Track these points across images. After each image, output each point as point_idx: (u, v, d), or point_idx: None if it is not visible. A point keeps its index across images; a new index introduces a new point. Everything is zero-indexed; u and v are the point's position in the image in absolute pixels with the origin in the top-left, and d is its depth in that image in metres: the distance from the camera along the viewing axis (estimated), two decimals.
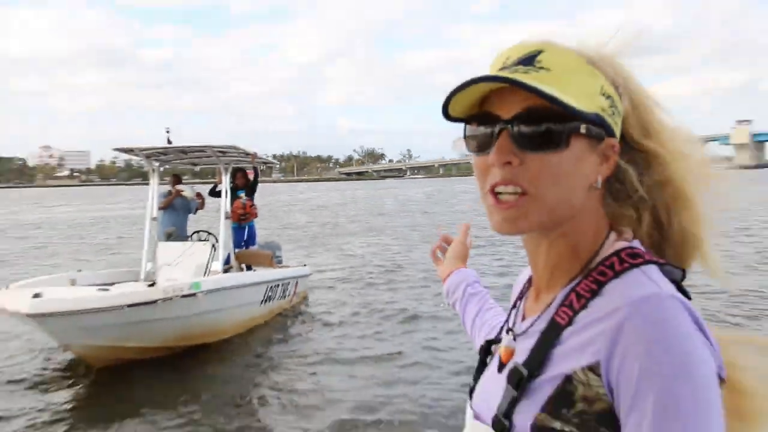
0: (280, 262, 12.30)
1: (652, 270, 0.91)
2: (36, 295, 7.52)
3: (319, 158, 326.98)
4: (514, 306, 1.13)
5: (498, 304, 1.52)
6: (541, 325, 0.97)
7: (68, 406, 7.29)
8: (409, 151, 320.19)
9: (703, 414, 0.79)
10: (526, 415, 0.90)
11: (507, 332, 1.07)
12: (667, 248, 1.02)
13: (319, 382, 7.84)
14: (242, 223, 11.91)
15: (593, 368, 0.86)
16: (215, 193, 11.49)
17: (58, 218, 44.09)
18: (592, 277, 0.93)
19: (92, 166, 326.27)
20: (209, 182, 13.03)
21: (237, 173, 11.92)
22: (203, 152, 10.99)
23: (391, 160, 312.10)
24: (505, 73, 0.91)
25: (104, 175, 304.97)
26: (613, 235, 0.99)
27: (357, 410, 6.90)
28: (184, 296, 8.37)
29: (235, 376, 8.40)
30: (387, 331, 10.26)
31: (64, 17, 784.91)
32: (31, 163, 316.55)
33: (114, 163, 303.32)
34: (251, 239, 12.15)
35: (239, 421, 6.77)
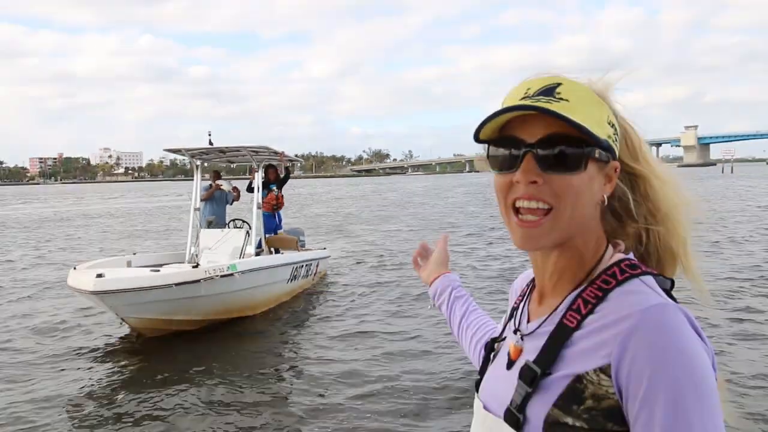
0: (303, 245, 12.17)
1: (650, 280, 0.89)
2: (99, 275, 7.39)
3: (333, 158, 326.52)
4: (516, 307, 1.07)
5: (479, 307, 1.45)
6: (549, 327, 0.93)
7: (123, 369, 7.20)
8: (410, 151, 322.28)
9: (708, 409, 0.78)
10: (539, 409, 0.87)
11: (514, 332, 1.01)
12: (649, 261, 1.00)
13: (334, 353, 7.64)
14: (273, 211, 11.75)
15: (604, 370, 0.83)
16: (251, 189, 11.35)
17: (116, 208, 44.09)
18: (597, 285, 0.91)
19: (143, 164, 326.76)
20: (243, 179, 12.92)
21: (269, 169, 11.76)
22: (239, 151, 10.84)
23: (395, 159, 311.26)
24: (527, 102, 0.89)
25: (153, 172, 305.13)
26: (611, 248, 0.97)
27: (368, 381, 6.56)
28: (223, 276, 8.23)
29: (263, 345, 8.25)
30: (398, 307, 10.05)
31: (123, 40, 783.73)
32: (93, 162, 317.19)
33: (162, 162, 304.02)
34: (279, 225, 12.00)
35: (263, 385, 6.65)
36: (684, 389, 0.77)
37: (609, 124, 0.92)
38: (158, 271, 8.20)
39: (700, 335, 0.83)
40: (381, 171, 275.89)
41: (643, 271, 0.91)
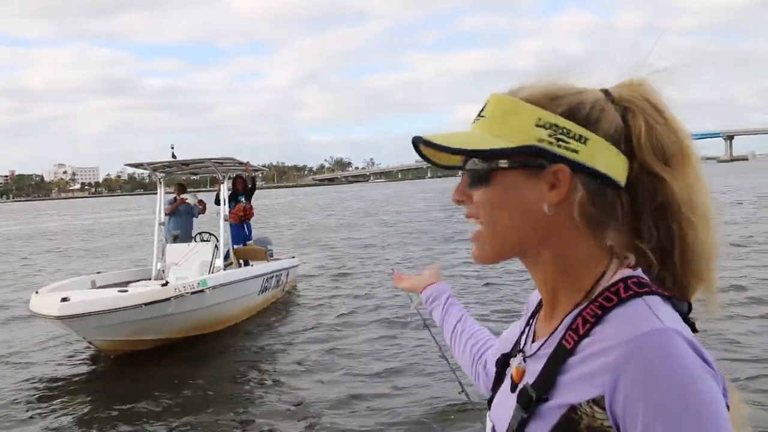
0: (271, 255, 11.87)
1: (656, 301, 0.79)
2: (64, 299, 7.03)
3: (295, 167, 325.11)
4: (528, 324, 1.01)
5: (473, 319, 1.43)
6: (549, 348, 0.86)
7: (89, 390, 6.89)
8: (372, 159, 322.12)
9: None
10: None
11: (518, 353, 0.96)
12: (667, 278, 0.87)
13: (306, 363, 7.51)
14: (241, 223, 11.41)
15: (597, 402, 0.76)
16: (218, 201, 11.03)
17: (74, 225, 42.87)
18: (598, 303, 0.82)
19: (100, 179, 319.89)
20: (205, 191, 12.61)
21: (237, 180, 11.43)
22: (203, 164, 10.58)
23: (357, 167, 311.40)
24: (473, 121, 0.91)
25: (111, 187, 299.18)
26: (616, 262, 0.85)
27: (340, 386, 6.60)
28: (194, 293, 7.95)
29: (235, 358, 8.02)
30: (364, 314, 9.97)
31: (78, 53, 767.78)
32: (47, 178, 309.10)
33: (119, 176, 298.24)
34: (245, 237, 11.68)
35: (237, 400, 6.46)
36: (682, 420, 0.70)
37: (542, 126, 0.84)
38: (126, 291, 7.85)
39: (705, 361, 0.74)
40: (343, 179, 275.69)
41: (651, 290, 0.80)
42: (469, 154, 0.86)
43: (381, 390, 6.46)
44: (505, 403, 0.93)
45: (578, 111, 0.84)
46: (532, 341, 0.95)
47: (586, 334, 0.81)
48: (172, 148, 10.18)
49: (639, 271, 0.84)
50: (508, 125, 0.85)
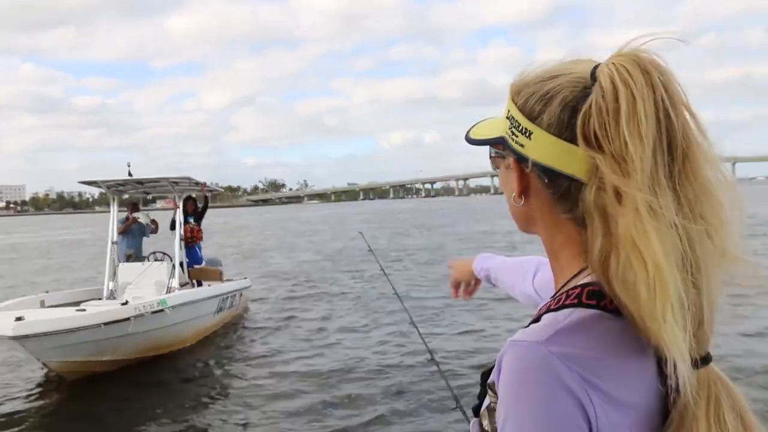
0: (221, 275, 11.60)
1: (583, 315, 0.73)
2: (18, 318, 6.63)
3: (229, 188, 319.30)
4: None
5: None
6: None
7: (43, 415, 6.53)
8: (305, 180, 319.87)
9: None
10: (483, 403, 0.79)
11: None
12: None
13: (260, 381, 7.43)
14: (189, 245, 11.02)
15: (491, 386, 0.76)
16: (173, 226, 10.65)
17: (3, 245, 40.55)
18: (555, 299, 0.78)
19: (27, 198, 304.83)
20: (149, 210, 12.19)
21: (188, 201, 11.05)
22: (158, 182, 10.28)
23: (290, 189, 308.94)
24: None
25: (38, 205, 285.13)
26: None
27: (294, 401, 6.63)
28: (154, 312, 7.67)
29: (190, 379, 7.79)
30: (315, 331, 10.02)
31: (3, 69, 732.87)
32: None
33: (47, 195, 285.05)
34: (195, 259, 11.33)
35: (193, 419, 6.32)
36: (507, 425, 0.69)
37: (508, 118, 0.83)
38: (83, 310, 7.48)
39: (572, 383, 0.67)
40: (278, 201, 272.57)
41: (595, 303, 0.73)
42: (469, 141, 0.93)
43: (323, 397, 6.46)
44: None
45: (528, 102, 0.80)
46: None
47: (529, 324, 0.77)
48: (129, 166, 9.85)
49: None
50: (496, 119, 0.91)
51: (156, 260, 10.50)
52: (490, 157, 0.92)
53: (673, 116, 0.71)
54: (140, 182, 10.21)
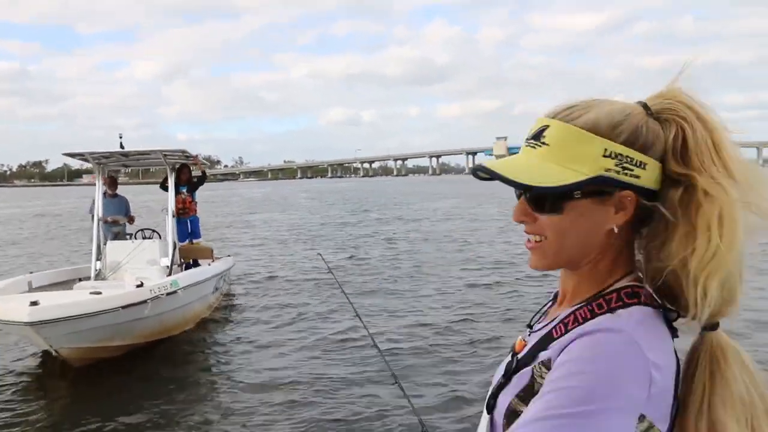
0: None
1: (637, 312, 0.85)
2: (33, 303, 5.98)
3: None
4: (546, 305, 1.08)
5: None
6: (544, 331, 0.94)
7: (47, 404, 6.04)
8: (240, 157, 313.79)
9: (586, 409, 0.74)
10: (505, 398, 0.90)
11: (528, 327, 1.03)
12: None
13: (250, 363, 7.17)
14: (182, 218, 10.25)
15: (545, 363, 0.86)
16: (164, 186, 9.96)
17: None
18: (591, 307, 0.88)
19: None
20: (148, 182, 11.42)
21: (183, 169, 10.19)
22: (149, 155, 9.57)
23: (226, 166, 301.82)
24: (524, 144, 0.93)
25: None
26: (633, 274, 0.92)
27: (281, 384, 6.39)
28: (168, 294, 7.14)
29: (187, 360, 7.46)
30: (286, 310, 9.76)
31: None
32: None
33: None
34: (195, 233, 10.63)
35: (192, 402, 6.03)
36: (579, 386, 0.76)
37: (608, 156, 0.86)
38: (99, 293, 6.82)
39: (647, 371, 0.78)
40: (212, 177, 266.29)
41: (639, 302, 0.87)
42: (546, 191, 0.87)
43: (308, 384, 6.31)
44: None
45: (637, 138, 0.87)
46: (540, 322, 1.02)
47: (567, 331, 0.87)
48: (120, 137, 9.09)
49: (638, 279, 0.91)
50: (574, 155, 0.87)
51: (144, 238, 9.81)
52: (557, 200, 0.88)
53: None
54: (125, 155, 9.45)
